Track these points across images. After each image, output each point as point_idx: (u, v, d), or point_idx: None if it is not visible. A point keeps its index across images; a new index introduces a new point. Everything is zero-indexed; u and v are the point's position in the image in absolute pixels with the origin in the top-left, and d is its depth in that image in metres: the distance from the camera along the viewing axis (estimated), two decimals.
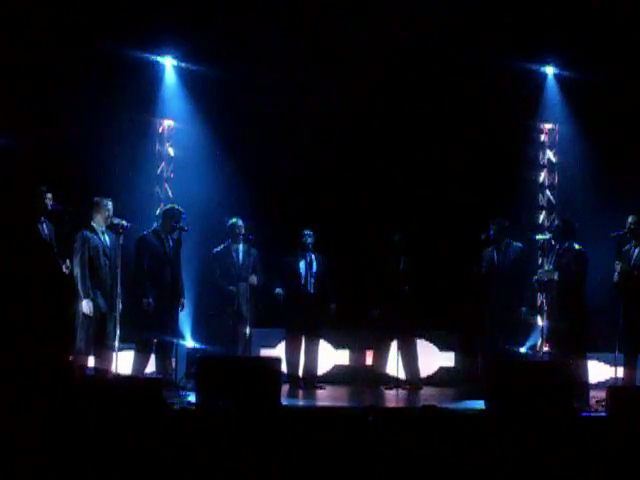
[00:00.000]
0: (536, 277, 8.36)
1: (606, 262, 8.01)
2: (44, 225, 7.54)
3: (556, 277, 8.01)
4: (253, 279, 8.94)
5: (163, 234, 8.28)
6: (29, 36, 8.78)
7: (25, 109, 8.90)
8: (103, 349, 7.75)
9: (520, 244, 8.94)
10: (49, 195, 7.55)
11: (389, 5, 9.18)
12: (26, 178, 7.38)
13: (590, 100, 9.66)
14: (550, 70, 10.13)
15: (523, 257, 8.93)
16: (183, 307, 8.41)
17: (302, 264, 9.12)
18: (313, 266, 9.13)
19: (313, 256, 9.15)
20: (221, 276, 8.91)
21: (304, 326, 9.12)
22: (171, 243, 8.28)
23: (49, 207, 7.53)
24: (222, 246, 9.02)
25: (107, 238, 7.82)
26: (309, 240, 9.12)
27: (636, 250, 7.86)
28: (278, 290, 9.08)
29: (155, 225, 8.41)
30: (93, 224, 7.79)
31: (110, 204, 7.83)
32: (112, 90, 9.30)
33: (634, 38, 9.18)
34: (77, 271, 7.62)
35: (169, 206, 8.63)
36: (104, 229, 7.82)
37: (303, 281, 9.10)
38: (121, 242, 7.84)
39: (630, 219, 7.85)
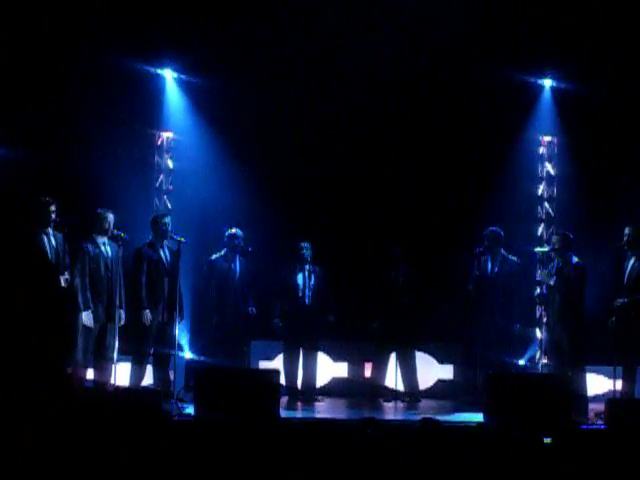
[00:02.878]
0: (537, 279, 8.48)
1: (605, 274, 8.03)
2: (51, 237, 7.55)
3: (552, 282, 8.08)
4: (252, 309, 8.96)
5: (158, 245, 8.28)
6: (31, 49, 8.81)
7: (25, 121, 8.93)
8: (102, 361, 7.76)
9: (517, 259, 8.95)
10: (53, 208, 7.57)
11: (388, 16, 9.22)
12: (29, 189, 7.40)
13: (588, 113, 9.67)
14: (548, 82, 10.15)
15: (519, 272, 8.95)
16: (182, 318, 8.40)
17: (300, 277, 9.12)
18: (311, 278, 9.13)
19: (311, 268, 9.15)
20: (216, 286, 8.92)
21: (302, 338, 9.11)
22: (168, 254, 8.28)
23: (53, 218, 7.55)
24: (218, 254, 9.02)
25: (109, 249, 7.84)
26: (307, 252, 9.11)
27: (631, 262, 7.87)
28: (276, 320, 9.09)
29: (151, 237, 8.42)
30: (94, 235, 7.81)
31: (112, 216, 7.86)
32: (112, 102, 9.32)
33: (632, 50, 9.22)
34: (77, 282, 7.64)
35: (152, 216, 8.65)
36: (105, 241, 7.84)
37: (301, 294, 9.10)
38: (120, 254, 7.87)
39: (627, 230, 7.87)
